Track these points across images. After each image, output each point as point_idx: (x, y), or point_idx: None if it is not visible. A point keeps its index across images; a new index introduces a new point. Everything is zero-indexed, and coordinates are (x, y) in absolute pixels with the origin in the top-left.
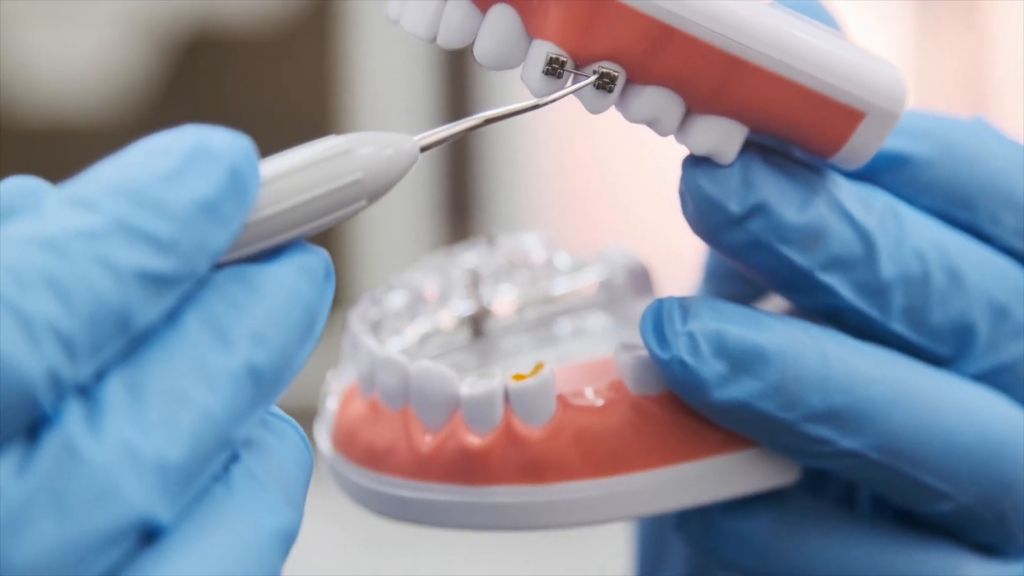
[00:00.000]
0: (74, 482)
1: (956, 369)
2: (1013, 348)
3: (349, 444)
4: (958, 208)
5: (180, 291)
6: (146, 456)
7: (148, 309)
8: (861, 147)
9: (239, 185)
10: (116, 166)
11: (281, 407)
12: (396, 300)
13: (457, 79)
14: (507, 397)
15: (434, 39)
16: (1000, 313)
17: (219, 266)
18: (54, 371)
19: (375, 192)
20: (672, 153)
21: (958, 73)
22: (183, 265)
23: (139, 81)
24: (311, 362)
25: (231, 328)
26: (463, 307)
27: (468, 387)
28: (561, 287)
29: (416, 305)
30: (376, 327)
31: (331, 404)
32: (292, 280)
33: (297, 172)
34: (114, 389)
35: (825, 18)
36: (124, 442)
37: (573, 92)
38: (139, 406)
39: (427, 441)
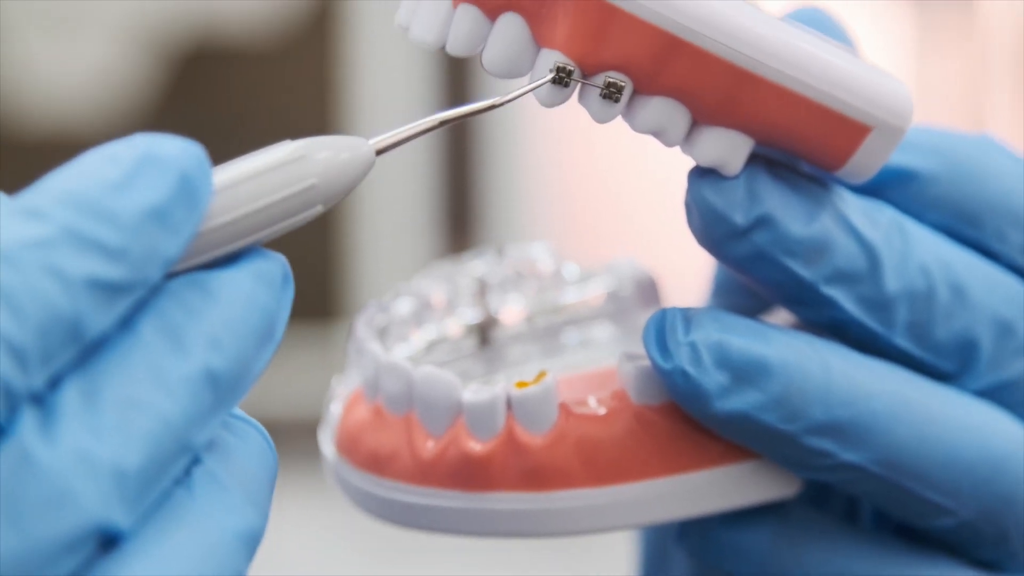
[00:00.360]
0: (29, 490)
1: (959, 385)
2: (1017, 365)
3: (352, 449)
4: (964, 224)
5: (133, 298)
6: (101, 462)
7: (100, 317)
8: (867, 161)
9: (190, 192)
10: (66, 175)
11: (286, 415)
12: (403, 307)
13: (458, 89)
14: (509, 404)
15: (443, 47)
16: (1004, 330)
17: (175, 273)
18: (5, 382)
19: (331, 197)
20: (676, 163)
21: (958, 83)
22: (134, 272)
23: (140, 92)
24: (318, 370)
25: (186, 333)
26: (470, 315)
27: (471, 393)
28: (568, 297)
29: (423, 312)
30: (382, 333)
31: (335, 409)
32: (248, 285)
33: (251, 179)
34: (68, 396)
35: (836, 33)
36: (79, 449)
37: (530, 91)
38: (94, 413)
39: (429, 447)
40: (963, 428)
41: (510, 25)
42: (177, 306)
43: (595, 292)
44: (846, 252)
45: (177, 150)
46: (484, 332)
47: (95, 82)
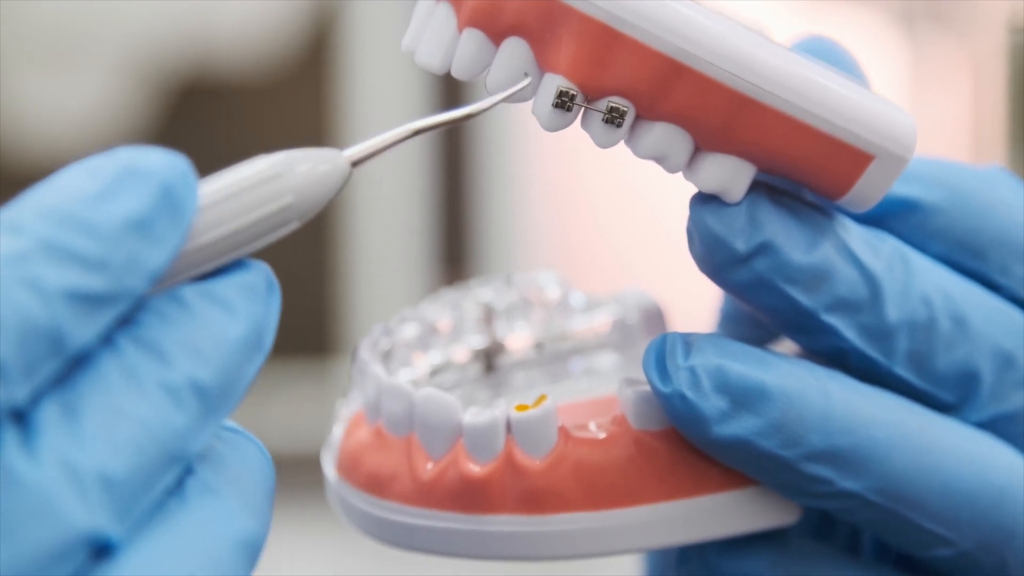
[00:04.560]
0: (14, 504)
1: (960, 416)
2: (1018, 397)
3: (353, 470)
4: (967, 256)
5: (116, 310)
6: (86, 472)
7: (82, 329)
8: (869, 190)
9: (172, 203)
10: (45, 190)
11: (282, 449)
12: (408, 331)
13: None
14: (509, 427)
15: (447, 71)
16: (1006, 362)
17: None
18: None
19: (306, 213)
20: (677, 190)
21: (953, 117)
22: (115, 283)
23: (135, 127)
24: (314, 405)
25: (167, 345)
26: (476, 341)
27: (471, 416)
28: (575, 325)
29: (428, 337)
30: (387, 357)
31: (337, 431)
32: (230, 296)
33: (230, 198)
34: (49, 410)
35: (845, 63)
36: (61, 460)
37: (507, 98)
38: (76, 424)
39: (428, 468)
40: (963, 458)
41: (514, 49)
42: (156, 319)
43: (601, 321)
44: (847, 281)
45: (160, 162)
46: (490, 358)
47: (92, 116)
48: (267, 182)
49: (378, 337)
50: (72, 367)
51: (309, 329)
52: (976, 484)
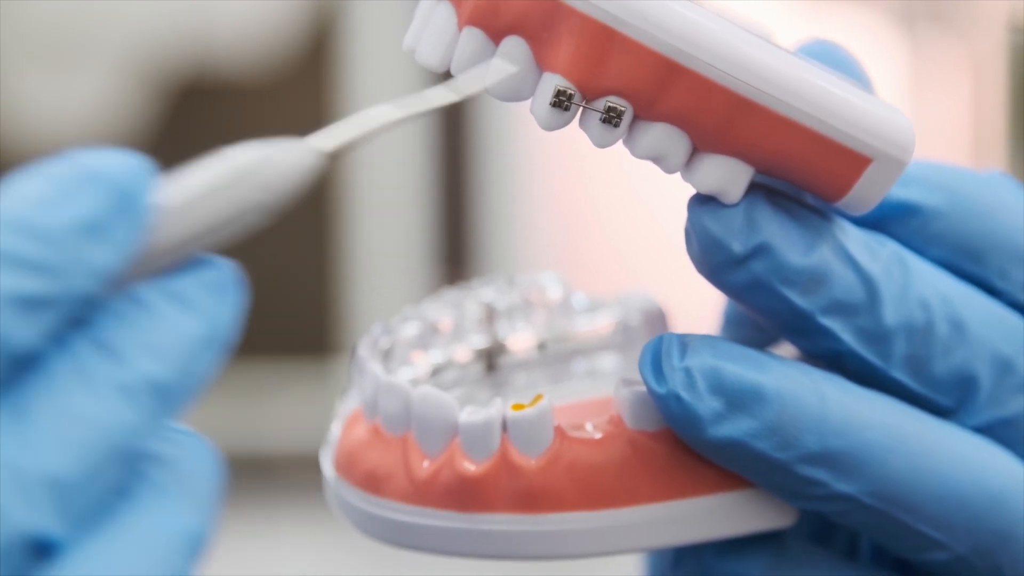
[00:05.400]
0: None
1: (957, 421)
2: (1016, 402)
3: (350, 468)
4: (967, 261)
5: (61, 311)
6: (30, 473)
7: (24, 331)
8: (867, 193)
9: (126, 204)
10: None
11: (282, 450)
12: (409, 330)
13: (453, 124)
14: (505, 426)
15: (447, 69)
16: (1004, 367)
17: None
18: None
19: (275, 208)
20: (672, 195)
21: (954, 117)
22: (59, 285)
23: (135, 127)
24: (314, 405)
25: (122, 344)
26: (477, 341)
27: (466, 414)
28: (577, 326)
29: (429, 336)
30: (387, 356)
31: (335, 429)
32: (190, 292)
33: (198, 196)
34: None
35: (848, 67)
36: (6, 462)
37: (485, 85)
38: (22, 425)
39: (424, 467)
40: (959, 463)
41: (513, 48)
42: (112, 319)
43: (603, 322)
44: (844, 283)
45: (116, 164)
46: (491, 358)
47: (92, 116)
48: (236, 179)
49: (378, 336)
50: (21, 370)
51: (309, 329)
52: (972, 489)
